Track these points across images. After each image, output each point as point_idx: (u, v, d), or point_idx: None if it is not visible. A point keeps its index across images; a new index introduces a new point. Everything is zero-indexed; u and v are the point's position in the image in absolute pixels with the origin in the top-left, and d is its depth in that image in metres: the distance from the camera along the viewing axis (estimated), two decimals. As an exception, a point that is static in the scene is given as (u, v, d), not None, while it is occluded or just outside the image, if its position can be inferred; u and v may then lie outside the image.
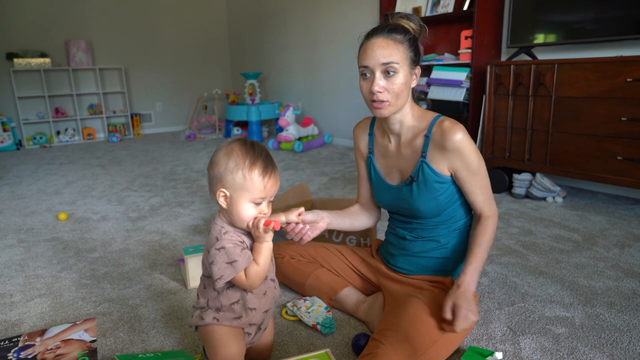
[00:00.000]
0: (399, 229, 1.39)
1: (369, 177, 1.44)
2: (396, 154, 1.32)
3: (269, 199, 1.02)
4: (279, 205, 2.37)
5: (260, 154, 1.00)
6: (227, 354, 1.01)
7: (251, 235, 1.02)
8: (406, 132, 1.28)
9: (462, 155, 1.19)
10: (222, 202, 1.00)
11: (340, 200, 2.22)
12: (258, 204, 1.00)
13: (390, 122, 1.27)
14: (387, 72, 1.15)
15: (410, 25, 1.20)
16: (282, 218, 1.18)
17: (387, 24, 1.20)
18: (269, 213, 1.03)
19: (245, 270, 0.98)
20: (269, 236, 1.00)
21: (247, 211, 0.99)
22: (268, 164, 1.00)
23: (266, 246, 1.00)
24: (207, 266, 1.03)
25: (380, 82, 1.15)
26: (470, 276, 1.18)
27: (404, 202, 1.31)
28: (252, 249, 1.02)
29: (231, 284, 1.04)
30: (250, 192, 0.98)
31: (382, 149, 1.36)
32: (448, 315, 1.10)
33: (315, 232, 1.29)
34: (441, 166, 1.23)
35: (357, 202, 1.53)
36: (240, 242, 1.00)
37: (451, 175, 1.25)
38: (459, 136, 1.18)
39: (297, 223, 1.20)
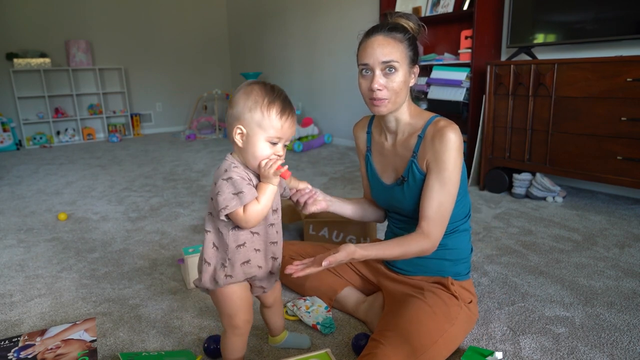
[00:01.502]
0: (397, 229, 1.39)
1: (367, 176, 1.44)
2: (392, 152, 1.32)
3: (285, 141, 1.03)
4: (279, 205, 2.37)
5: (279, 95, 1.02)
6: (244, 320, 1.11)
7: (258, 177, 1.04)
8: (402, 131, 1.28)
9: (442, 153, 1.16)
10: (237, 139, 1.01)
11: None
12: (274, 144, 1.01)
13: (388, 120, 1.27)
14: (387, 70, 1.15)
15: (410, 25, 1.20)
16: (291, 181, 1.24)
17: (387, 22, 1.20)
18: (284, 156, 1.04)
19: (244, 206, 0.98)
20: (276, 180, 1.02)
21: (263, 150, 1.00)
22: (286, 105, 1.01)
23: (271, 188, 1.01)
24: (213, 199, 1.02)
25: (380, 79, 1.15)
26: (366, 252, 1.11)
27: (398, 202, 1.32)
28: (257, 188, 1.03)
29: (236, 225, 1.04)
30: (266, 130, 0.99)
31: (379, 147, 1.37)
32: (325, 262, 1.03)
33: (317, 207, 1.33)
34: (425, 165, 1.22)
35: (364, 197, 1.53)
36: (248, 178, 1.02)
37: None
38: (451, 135, 1.16)
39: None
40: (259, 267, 1.10)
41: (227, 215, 0.99)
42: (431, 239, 1.18)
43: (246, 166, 1.03)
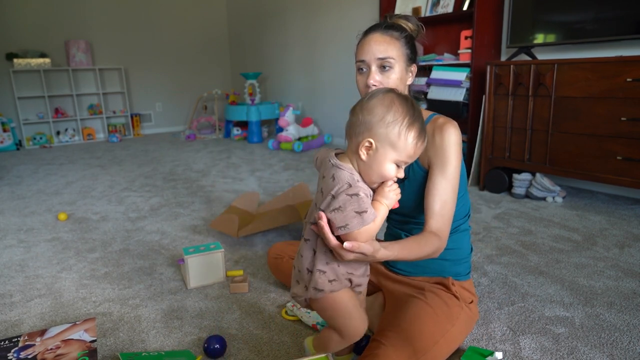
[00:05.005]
0: (396, 229, 1.39)
1: None
2: None
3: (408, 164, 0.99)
4: (279, 205, 2.36)
5: (419, 115, 0.96)
6: (358, 326, 1.07)
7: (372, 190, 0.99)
8: None
9: (444, 148, 1.15)
10: (363, 152, 0.94)
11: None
12: (399, 166, 0.97)
13: None
14: (383, 67, 1.16)
15: (408, 25, 1.22)
16: None
17: (385, 21, 1.22)
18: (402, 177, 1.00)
19: None
20: (391, 201, 0.98)
21: (390, 171, 0.95)
22: (423, 128, 0.96)
23: (385, 209, 0.97)
24: (327, 211, 0.94)
25: (376, 76, 1.17)
26: (389, 252, 1.02)
27: (398, 201, 1.31)
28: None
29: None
30: (399, 152, 0.94)
31: None
32: (348, 245, 0.92)
33: None
34: (426, 162, 1.21)
35: None
36: (370, 195, 0.96)
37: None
38: (452, 130, 1.15)
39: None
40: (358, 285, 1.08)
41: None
42: (441, 237, 1.15)
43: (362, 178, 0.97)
